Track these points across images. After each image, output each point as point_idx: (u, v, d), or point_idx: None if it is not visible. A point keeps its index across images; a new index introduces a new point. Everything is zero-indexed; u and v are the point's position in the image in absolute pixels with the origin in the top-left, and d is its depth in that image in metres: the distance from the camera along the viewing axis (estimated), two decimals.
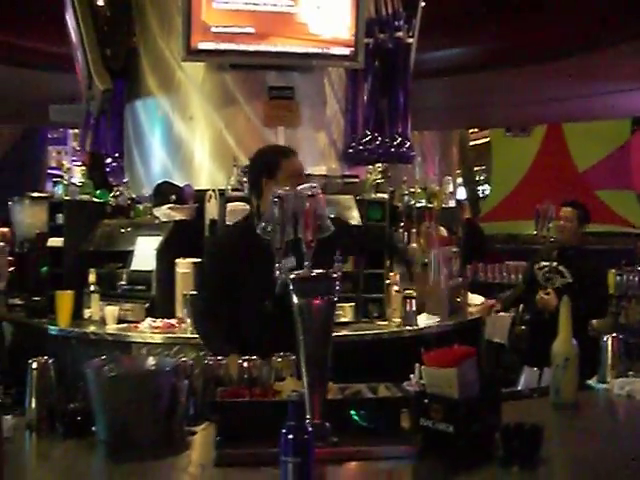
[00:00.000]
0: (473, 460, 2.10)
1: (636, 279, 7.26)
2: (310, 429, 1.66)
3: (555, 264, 5.02)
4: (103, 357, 2.51)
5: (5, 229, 9.26)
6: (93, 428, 2.34)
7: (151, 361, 2.48)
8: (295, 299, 2.19)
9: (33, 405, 2.45)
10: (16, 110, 11.70)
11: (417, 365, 2.45)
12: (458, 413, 2.14)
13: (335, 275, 2.23)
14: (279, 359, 2.63)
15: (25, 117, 12.68)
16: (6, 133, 14.59)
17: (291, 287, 2.19)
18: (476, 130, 18.22)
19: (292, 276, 2.21)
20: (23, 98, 10.87)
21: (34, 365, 2.48)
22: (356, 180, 5.39)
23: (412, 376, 2.52)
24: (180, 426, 2.37)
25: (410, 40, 5.89)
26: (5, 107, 11.29)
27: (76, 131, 20.69)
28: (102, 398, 2.27)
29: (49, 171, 19.73)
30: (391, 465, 2.13)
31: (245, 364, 2.60)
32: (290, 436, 1.64)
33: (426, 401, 2.20)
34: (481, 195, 18.10)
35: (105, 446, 2.27)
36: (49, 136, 19.34)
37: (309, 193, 2.30)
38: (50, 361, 2.51)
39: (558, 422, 2.55)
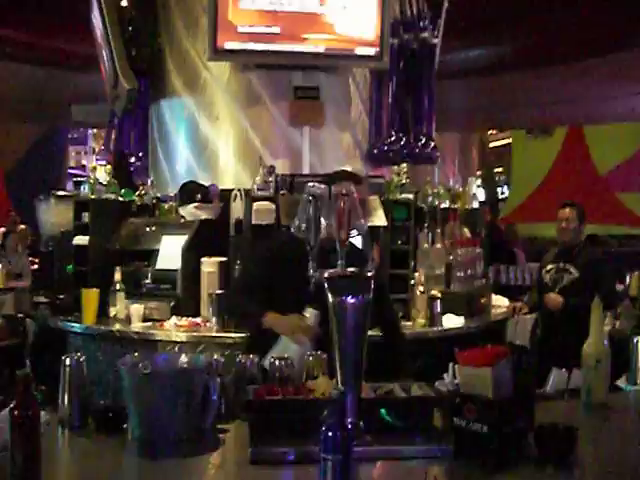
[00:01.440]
0: (507, 460, 2.10)
1: None
2: (350, 427, 1.66)
3: (561, 264, 5.09)
4: (135, 354, 2.53)
5: (23, 225, 9.35)
6: (124, 425, 2.36)
7: (184, 359, 2.49)
8: (330, 297, 2.19)
9: (66, 401, 2.47)
10: (39, 110, 11.77)
11: (451, 364, 2.45)
12: (493, 413, 2.13)
13: (370, 274, 2.24)
14: (311, 357, 2.64)
15: (47, 117, 12.74)
16: (27, 133, 14.68)
17: (326, 286, 2.20)
18: (495, 132, 18.17)
19: (327, 275, 2.21)
20: (46, 98, 10.94)
21: (67, 362, 2.49)
22: (382, 180, 5.39)
23: (445, 375, 2.52)
24: (212, 424, 2.38)
25: (435, 41, 5.88)
26: (28, 107, 11.37)
27: (95, 131, 20.88)
28: (136, 395, 2.28)
29: (69, 170, 19.88)
30: (425, 464, 2.12)
31: (277, 363, 2.61)
32: (331, 434, 1.64)
33: (460, 401, 2.20)
34: (500, 197, 18.05)
35: (138, 442, 2.29)
36: (69, 136, 19.46)
37: (343, 192, 2.31)
38: (83, 358, 2.53)
39: (590, 423, 2.54)
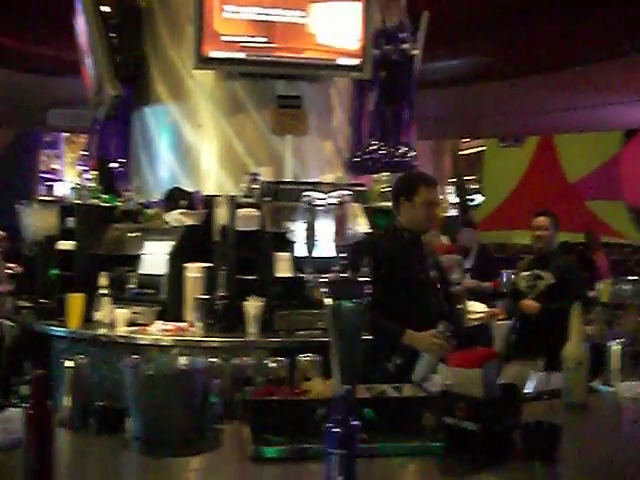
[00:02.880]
0: (496, 456, 2.21)
1: (629, 288, 7.39)
2: (355, 423, 1.76)
3: (536, 271, 5.25)
4: (136, 356, 2.61)
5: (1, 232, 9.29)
6: (125, 425, 2.43)
7: (182, 360, 2.58)
8: (327, 301, 2.28)
9: (66, 402, 2.53)
10: (14, 114, 11.73)
11: (441, 365, 2.56)
12: (482, 412, 2.25)
13: (364, 279, 2.34)
14: (304, 359, 2.73)
15: (23, 121, 12.70)
16: (3, 136, 14.60)
17: (323, 290, 2.29)
18: (468, 140, 18.36)
19: (323, 279, 2.31)
20: (21, 102, 10.91)
21: (69, 363, 2.56)
22: (363, 189, 5.50)
23: (436, 376, 2.62)
24: (211, 423, 2.47)
25: (415, 52, 6.01)
26: (4, 111, 11.33)
27: (67, 135, 20.73)
28: (139, 396, 2.36)
29: (40, 175, 19.72)
30: (418, 461, 2.23)
31: (272, 365, 2.70)
32: (336, 429, 1.74)
33: (451, 400, 2.31)
34: (472, 204, 18.25)
35: (139, 442, 2.36)
36: (42, 140, 19.33)
37: (338, 201, 2.41)
38: (85, 360, 2.60)
39: (572, 421, 2.66)
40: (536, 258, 5.42)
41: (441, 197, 6.28)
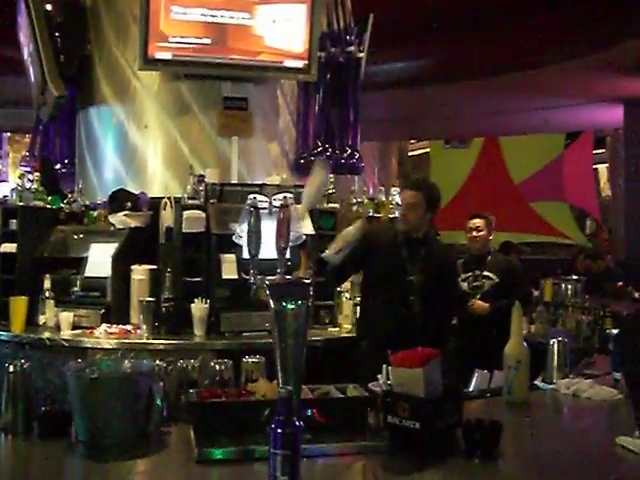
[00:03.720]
0: (438, 454, 2.26)
1: (570, 288, 7.54)
2: (298, 423, 1.78)
3: (478, 272, 5.33)
4: (79, 361, 2.59)
5: None
6: (69, 429, 2.41)
7: (127, 364, 2.57)
8: (271, 303, 2.30)
9: (9, 408, 2.50)
10: None
11: (384, 366, 2.59)
12: (424, 411, 2.28)
13: (308, 281, 2.36)
14: (249, 361, 2.74)
15: None
16: None
17: (267, 292, 2.31)
18: (414, 141, 18.52)
19: (268, 281, 2.33)
20: None
21: (10, 369, 2.53)
22: None
23: (379, 376, 2.66)
24: (156, 426, 2.46)
25: (360, 54, 6.07)
26: None
27: (9, 134, 20.36)
28: (83, 400, 2.34)
29: None
30: (362, 460, 2.26)
31: (217, 367, 2.71)
32: (280, 430, 1.76)
33: (393, 400, 2.34)
34: None
35: (84, 446, 2.34)
36: None
37: (281, 203, 2.44)
38: (26, 365, 2.57)
39: (512, 419, 2.72)
40: (473, 259, 5.50)
41: (383, 198, 6.31)
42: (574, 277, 7.32)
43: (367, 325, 4.24)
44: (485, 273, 5.38)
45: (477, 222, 5.49)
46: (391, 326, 3.95)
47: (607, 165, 16.64)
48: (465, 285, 5.44)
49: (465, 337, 5.30)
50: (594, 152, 15.99)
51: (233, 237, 2.51)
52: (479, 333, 5.10)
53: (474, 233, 5.47)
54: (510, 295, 5.15)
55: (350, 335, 4.95)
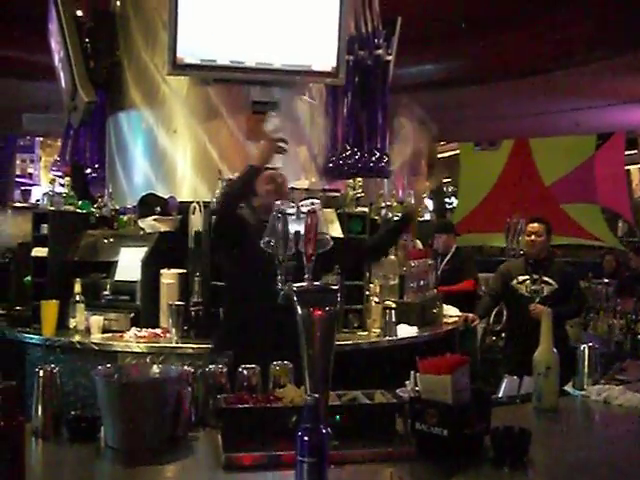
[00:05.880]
0: (466, 462, 2.24)
1: (603, 291, 7.48)
2: (324, 431, 1.77)
3: (537, 276, 5.31)
4: (109, 365, 2.61)
5: None
6: (98, 434, 2.43)
7: (156, 369, 2.58)
8: (299, 310, 2.30)
9: (39, 412, 2.52)
10: None
11: (412, 372, 2.58)
12: (452, 418, 2.27)
13: (336, 287, 2.36)
14: (277, 367, 2.74)
15: None
16: None
17: (295, 298, 2.30)
18: (444, 143, 18.46)
19: (295, 288, 2.32)
20: None
21: (41, 373, 2.55)
22: (337, 194, 5.52)
23: (407, 383, 2.65)
24: (184, 432, 2.47)
25: (389, 57, 6.06)
26: None
27: (42, 139, 20.60)
28: (111, 405, 2.36)
29: (16, 179, 19.60)
30: (390, 466, 2.25)
31: (245, 372, 2.71)
32: (306, 437, 1.75)
33: (421, 406, 2.33)
34: (448, 207, 18.35)
35: (113, 451, 2.36)
36: (17, 144, 19.23)
37: (309, 209, 2.43)
38: (56, 369, 2.59)
39: (541, 426, 2.69)
40: (530, 263, 5.48)
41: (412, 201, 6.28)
42: (605, 280, 7.26)
43: None
44: (545, 278, 5.37)
45: (537, 227, 5.49)
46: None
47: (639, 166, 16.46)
48: (523, 288, 5.42)
49: (519, 342, 5.26)
50: (626, 153, 15.83)
51: (261, 243, 2.51)
52: (534, 338, 5.05)
53: (533, 237, 5.47)
54: (566, 302, 5.18)
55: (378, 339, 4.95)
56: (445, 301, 6.21)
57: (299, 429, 1.78)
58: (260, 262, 2.91)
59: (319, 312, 2.28)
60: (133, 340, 4.68)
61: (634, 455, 2.42)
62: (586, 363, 3.30)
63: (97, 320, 4.87)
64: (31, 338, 4.94)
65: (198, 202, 5.07)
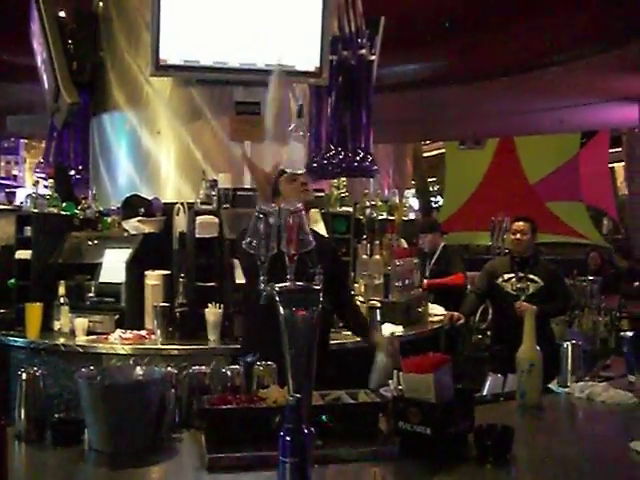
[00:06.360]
0: (449, 459, 2.25)
1: (588, 288, 7.50)
2: (307, 431, 1.78)
3: (522, 274, 5.34)
4: (92, 368, 2.60)
5: None
6: (81, 437, 2.42)
7: (139, 371, 2.57)
8: (281, 310, 2.30)
9: (22, 415, 2.51)
10: None
11: (395, 372, 2.59)
12: (435, 416, 2.28)
13: (318, 287, 2.36)
14: (260, 367, 2.74)
15: None
16: None
17: (277, 299, 2.30)
18: (429, 142, 18.51)
19: (278, 288, 2.32)
20: None
21: (23, 376, 2.54)
22: (322, 194, 5.52)
23: (390, 382, 2.65)
24: (168, 433, 2.47)
25: (372, 57, 6.06)
26: None
27: (26, 141, 20.49)
28: (94, 408, 2.35)
29: (1, 181, 19.49)
30: (373, 465, 2.25)
31: (228, 373, 2.71)
32: (288, 438, 1.75)
33: (404, 405, 2.34)
34: (434, 206, 18.41)
35: (97, 454, 2.35)
36: (2, 146, 19.14)
37: (292, 209, 2.43)
38: (39, 372, 2.58)
39: (525, 424, 2.71)
40: (516, 261, 5.51)
41: (397, 201, 6.31)
42: (590, 277, 7.28)
43: None
44: (530, 276, 5.40)
45: (522, 225, 5.52)
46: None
47: (623, 164, 16.55)
48: (509, 286, 5.45)
49: (504, 340, 5.28)
50: (610, 151, 15.93)
51: (243, 244, 2.51)
52: (519, 336, 5.07)
53: (518, 236, 5.51)
54: (552, 300, 5.22)
55: None
56: (436, 296, 6.24)
57: (281, 429, 1.78)
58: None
59: (302, 312, 2.29)
60: (118, 342, 4.66)
61: (617, 451, 2.43)
62: (569, 360, 3.32)
63: (82, 322, 4.84)
64: (15, 341, 4.91)
65: (182, 203, 5.06)
